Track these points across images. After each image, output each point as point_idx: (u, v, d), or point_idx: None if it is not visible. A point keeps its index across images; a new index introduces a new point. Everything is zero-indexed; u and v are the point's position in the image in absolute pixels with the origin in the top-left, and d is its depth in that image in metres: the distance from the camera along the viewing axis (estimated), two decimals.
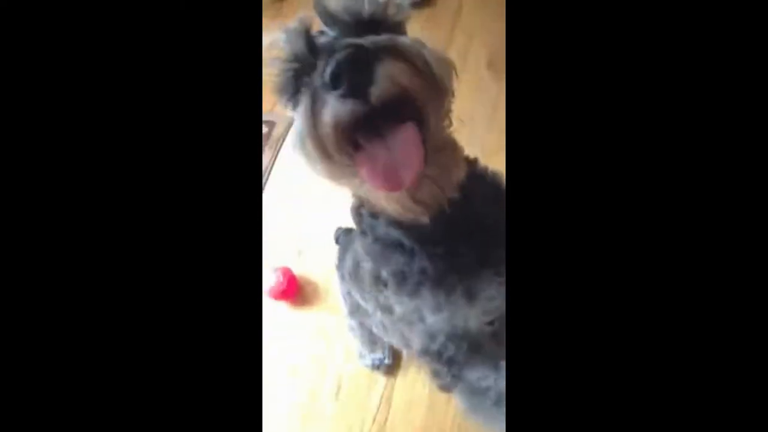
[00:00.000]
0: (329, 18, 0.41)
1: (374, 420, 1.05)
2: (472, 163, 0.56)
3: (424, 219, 0.42)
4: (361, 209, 0.56)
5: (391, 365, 1.08)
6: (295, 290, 1.18)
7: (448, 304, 0.55)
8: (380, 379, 1.09)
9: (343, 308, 0.99)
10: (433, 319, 0.56)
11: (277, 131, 1.38)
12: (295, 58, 0.41)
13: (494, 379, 0.54)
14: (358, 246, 0.61)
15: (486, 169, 0.60)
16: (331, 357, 1.13)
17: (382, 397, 1.08)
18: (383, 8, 0.42)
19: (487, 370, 0.55)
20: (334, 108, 0.36)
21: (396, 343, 0.83)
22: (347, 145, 0.38)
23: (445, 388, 0.60)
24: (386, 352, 1.06)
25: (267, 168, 1.35)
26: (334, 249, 1.21)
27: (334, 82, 0.35)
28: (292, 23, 0.41)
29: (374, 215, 0.54)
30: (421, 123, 0.41)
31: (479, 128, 1.35)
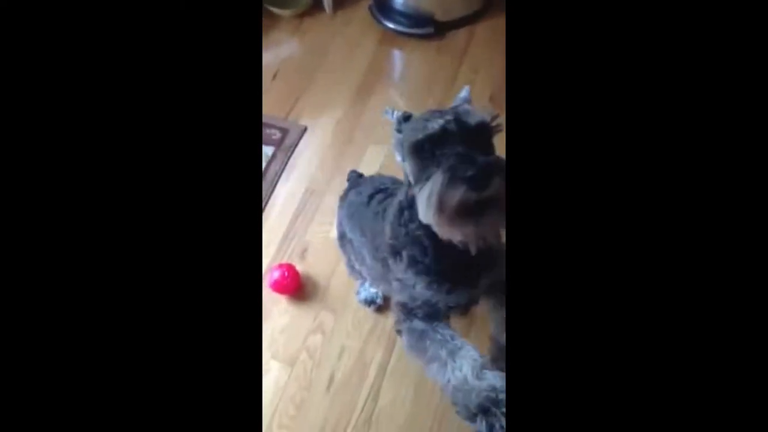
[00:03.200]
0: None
1: (362, 411, 1.12)
2: None
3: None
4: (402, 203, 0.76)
5: (381, 305, 1.25)
6: (297, 285, 1.26)
7: (436, 290, 0.76)
8: (370, 374, 1.17)
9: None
10: (419, 292, 0.77)
11: (290, 138, 1.49)
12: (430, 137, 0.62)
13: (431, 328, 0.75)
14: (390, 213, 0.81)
15: None
16: (325, 351, 1.21)
17: (370, 392, 1.15)
18: None
19: (426, 324, 0.77)
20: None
21: (383, 290, 1.17)
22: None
23: (397, 327, 0.81)
24: (379, 293, 1.23)
25: (278, 172, 1.44)
26: (335, 252, 1.31)
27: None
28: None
29: (413, 219, 0.72)
30: None
31: None
